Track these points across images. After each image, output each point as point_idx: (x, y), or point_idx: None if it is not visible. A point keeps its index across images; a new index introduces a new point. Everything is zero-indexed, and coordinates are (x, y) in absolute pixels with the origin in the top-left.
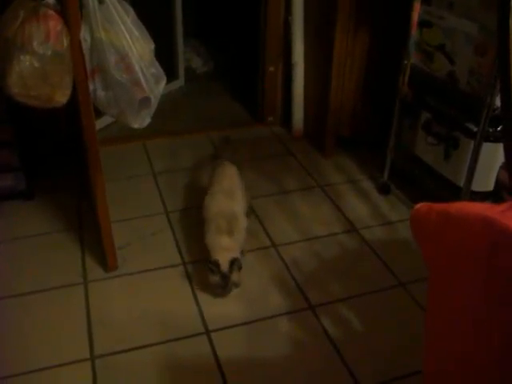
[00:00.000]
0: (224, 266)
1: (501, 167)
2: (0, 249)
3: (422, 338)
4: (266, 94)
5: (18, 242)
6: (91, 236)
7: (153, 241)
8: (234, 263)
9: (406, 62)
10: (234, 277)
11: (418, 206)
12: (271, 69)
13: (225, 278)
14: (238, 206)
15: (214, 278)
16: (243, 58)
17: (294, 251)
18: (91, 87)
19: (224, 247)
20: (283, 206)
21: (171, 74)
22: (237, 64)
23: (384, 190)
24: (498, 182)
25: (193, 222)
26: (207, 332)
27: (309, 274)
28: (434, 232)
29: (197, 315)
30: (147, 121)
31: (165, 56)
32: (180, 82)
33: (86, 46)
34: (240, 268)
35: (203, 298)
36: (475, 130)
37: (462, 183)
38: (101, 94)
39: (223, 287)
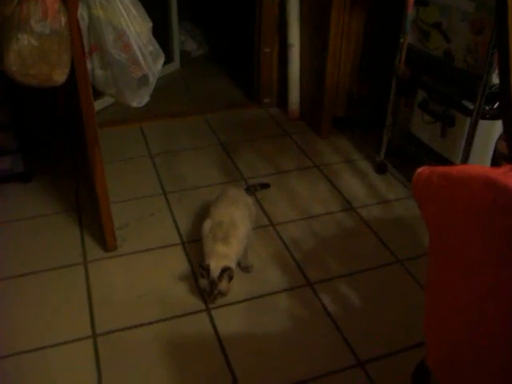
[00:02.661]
0: (214, 272)
1: (499, 138)
2: None
3: (422, 310)
4: (261, 76)
5: (17, 224)
6: (90, 217)
7: (151, 221)
8: (224, 271)
9: (402, 40)
10: (222, 285)
11: (420, 169)
12: (267, 50)
13: (212, 284)
14: (239, 213)
15: (203, 282)
16: (238, 40)
17: (293, 230)
18: (89, 66)
19: (218, 254)
20: (281, 186)
21: (167, 58)
22: (232, 46)
23: (380, 169)
24: (496, 153)
25: (191, 203)
26: (207, 309)
27: (307, 251)
28: (435, 194)
29: (197, 293)
30: (146, 99)
31: (160, 39)
32: (175, 65)
33: (83, 24)
34: (231, 278)
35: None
36: (471, 107)
37: (458, 161)
38: (99, 72)
39: (208, 294)
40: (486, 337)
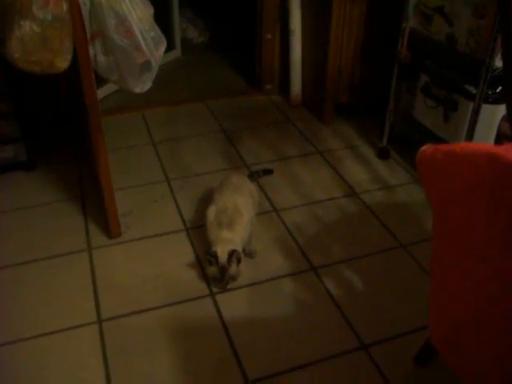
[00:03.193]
0: (222, 257)
1: (502, 119)
2: (3, 219)
3: (425, 293)
4: (263, 62)
5: (21, 212)
6: (93, 205)
7: (155, 208)
8: (232, 255)
9: (404, 25)
10: (232, 269)
11: (424, 147)
12: (268, 36)
13: (222, 269)
14: (243, 200)
15: (212, 270)
16: (239, 26)
17: (296, 215)
18: (91, 52)
19: (224, 240)
20: (283, 173)
21: (168, 45)
22: (233, 33)
23: (383, 154)
24: (498, 134)
25: (194, 189)
26: (212, 294)
27: (310, 236)
28: (439, 171)
29: (201, 278)
30: (148, 85)
31: (161, 27)
32: (177, 53)
33: (85, 10)
34: (239, 261)
35: (203, 262)
36: (474, 91)
37: None
38: (101, 58)
39: (220, 280)
40: (489, 317)
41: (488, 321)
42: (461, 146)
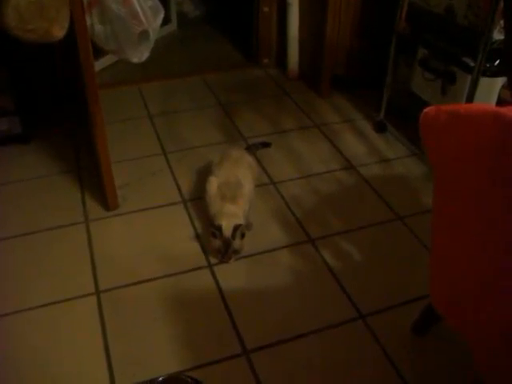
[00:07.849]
0: (227, 231)
1: (502, 86)
2: None
3: (422, 264)
4: (260, 36)
5: (16, 185)
6: (90, 178)
7: (152, 180)
8: (237, 229)
9: None
10: (236, 244)
11: (427, 109)
12: (266, 9)
13: (226, 243)
14: (244, 172)
15: (216, 243)
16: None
17: (293, 188)
18: (88, 22)
19: (228, 213)
20: (281, 145)
21: (164, 19)
22: (230, 6)
23: (380, 128)
24: (499, 100)
25: (191, 162)
26: (210, 266)
27: (308, 209)
28: (442, 132)
29: (199, 250)
30: (146, 55)
31: None
32: (173, 26)
33: None
34: (243, 235)
35: (205, 234)
36: (473, 64)
37: None
38: (99, 28)
39: (223, 253)
40: (492, 279)
41: (491, 282)
42: (464, 106)
